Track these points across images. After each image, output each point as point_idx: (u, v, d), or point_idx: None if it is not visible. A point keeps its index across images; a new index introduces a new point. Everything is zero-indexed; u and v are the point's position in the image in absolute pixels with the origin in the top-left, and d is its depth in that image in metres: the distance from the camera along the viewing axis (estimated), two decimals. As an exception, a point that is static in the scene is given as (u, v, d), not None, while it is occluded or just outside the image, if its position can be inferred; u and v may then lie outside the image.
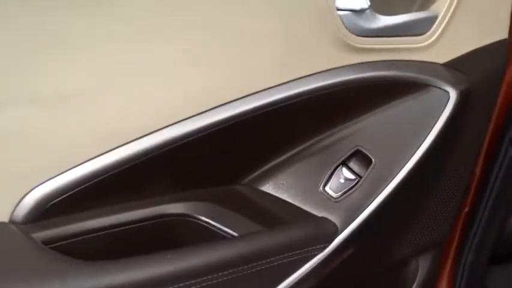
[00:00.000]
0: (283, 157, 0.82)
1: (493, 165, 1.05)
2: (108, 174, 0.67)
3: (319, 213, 0.81)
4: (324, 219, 0.79)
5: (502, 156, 1.04)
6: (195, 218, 0.74)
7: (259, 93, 0.74)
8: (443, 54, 0.85)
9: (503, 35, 0.89)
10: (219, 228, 0.73)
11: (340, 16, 0.77)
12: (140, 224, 0.71)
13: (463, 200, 1.05)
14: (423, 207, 0.93)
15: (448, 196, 0.96)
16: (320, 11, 0.75)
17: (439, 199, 0.94)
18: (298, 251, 0.74)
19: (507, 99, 1.00)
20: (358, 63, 0.80)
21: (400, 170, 0.83)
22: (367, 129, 0.84)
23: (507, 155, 1.04)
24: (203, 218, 0.74)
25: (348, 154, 0.83)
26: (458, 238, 1.09)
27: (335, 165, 0.83)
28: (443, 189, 0.94)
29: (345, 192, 0.82)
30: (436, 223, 0.98)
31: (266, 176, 0.82)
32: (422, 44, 0.83)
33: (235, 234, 0.73)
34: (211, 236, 0.73)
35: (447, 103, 0.84)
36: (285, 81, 0.76)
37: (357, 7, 0.78)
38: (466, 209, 1.07)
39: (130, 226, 0.70)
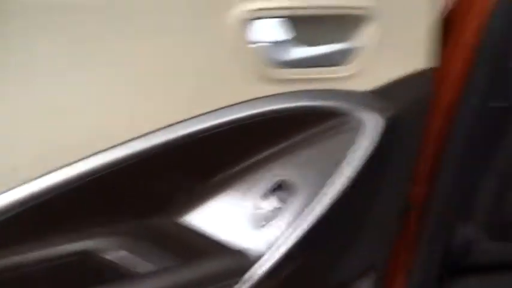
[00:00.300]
0: (207, 189, 0.82)
1: (435, 185, 1.05)
2: (14, 212, 0.67)
3: (241, 245, 0.81)
4: (239, 252, 0.79)
5: (443, 176, 1.04)
6: (106, 254, 0.73)
7: (174, 125, 0.74)
8: (368, 83, 0.85)
9: (428, 63, 0.89)
10: (131, 265, 0.73)
11: (256, 48, 0.77)
12: (48, 263, 0.70)
13: (408, 221, 1.05)
14: (355, 233, 0.94)
15: (382, 220, 0.97)
16: (233, 44, 0.75)
17: (372, 224, 0.95)
18: (211, 287, 0.74)
19: (443, 122, 1.00)
20: (280, 94, 0.80)
21: (325, 199, 0.83)
22: (292, 158, 0.84)
23: (448, 175, 1.04)
24: (115, 255, 0.74)
25: (272, 184, 0.83)
26: (405, 258, 1.09)
27: (259, 196, 0.83)
28: (375, 213, 0.94)
29: (269, 223, 0.82)
30: (371, 247, 0.99)
31: (188, 208, 0.81)
32: (347, 74, 0.83)
33: (147, 271, 0.73)
34: (122, 273, 0.73)
35: (374, 130, 0.84)
36: (200, 113, 0.76)
37: (276, 39, 0.78)
38: (412, 229, 1.07)
39: (36, 266, 0.69)
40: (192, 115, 0.75)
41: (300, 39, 0.81)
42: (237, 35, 0.74)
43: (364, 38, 0.82)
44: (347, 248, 0.94)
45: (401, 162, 0.92)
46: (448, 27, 0.93)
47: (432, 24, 0.87)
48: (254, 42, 0.77)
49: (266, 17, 0.77)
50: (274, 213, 0.83)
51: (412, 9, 0.85)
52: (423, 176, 1.03)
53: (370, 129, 0.84)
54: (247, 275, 0.78)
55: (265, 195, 0.84)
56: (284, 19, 0.80)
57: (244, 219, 0.83)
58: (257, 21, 0.77)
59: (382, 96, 0.85)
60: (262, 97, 0.78)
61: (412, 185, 1.00)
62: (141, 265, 0.74)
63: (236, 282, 0.77)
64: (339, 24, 0.82)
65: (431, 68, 0.89)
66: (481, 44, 0.92)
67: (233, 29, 0.74)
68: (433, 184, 1.04)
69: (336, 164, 0.84)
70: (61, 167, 0.68)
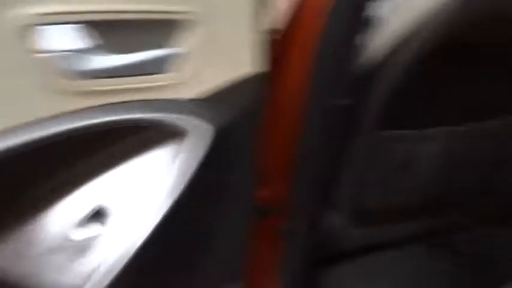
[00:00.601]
0: (7, 220, 0.71)
1: (292, 184, 1.02)
2: None
3: (54, 284, 0.71)
4: None
5: (299, 174, 1.02)
6: None
7: None
8: (195, 91, 0.77)
9: (258, 67, 0.81)
10: None
11: (50, 58, 0.65)
12: None
13: (268, 221, 1.02)
14: (201, 247, 0.87)
15: (231, 227, 0.91)
16: (16, 53, 0.63)
17: (220, 234, 0.89)
18: None
19: (294, 122, 0.96)
20: (88, 108, 0.69)
21: (150, 220, 0.75)
22: (109, 179, 0.74)
23: (304, 173, 1.02)
24: None
25: (87, 209, 0.74)
26: (271, 256, 1.06)
27: (72, 224, 0.73)
28: (219, 223, 0.88)
29: (86, 254, 0.73)
30: (228, 255, 0.93)
31: None
32: (171, 82, 0.74)
33: None
34: None
35: (202, 140, 0.77)
36: None
37: (74, 47, 0.67)
38: (274, 228, 1.05)
39: None
40: None
41: (112, 47, 0.69)
42: (19, 42, 0.62)
43: (187, 44, 0.73)
44: (196, 261, 0.88)
45: (238, 169, 0.86)
46: (288, 30, 0.90)
47: (261, 28, 0.80)
48: (47, 51, 0.65)
49: (60, 23, 0.65)
50: (92, 243, 0.74)
51: (238, 14, 0.77)
52: (279, 176, 1.00)
53: (198, 139, 0.76)
54: None
55: (80, 223, 0.74)
56: (91, 25, 0.68)
57: (57, 253, 0.73)
58: (52, 28, 0.65)
59: (211, 104, 0.77)
60: (68, 112, 0.68)
61: (260, 188, 0.95)
62: None
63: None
64: (157, 30, 0.72)
65: (262, 72, 0.82)
66: (321, 46, 0.89)
67: (12, 35, 0.62)
68: (290, 183, 1.02)
69: (160, 179, 0.76)
70: None
